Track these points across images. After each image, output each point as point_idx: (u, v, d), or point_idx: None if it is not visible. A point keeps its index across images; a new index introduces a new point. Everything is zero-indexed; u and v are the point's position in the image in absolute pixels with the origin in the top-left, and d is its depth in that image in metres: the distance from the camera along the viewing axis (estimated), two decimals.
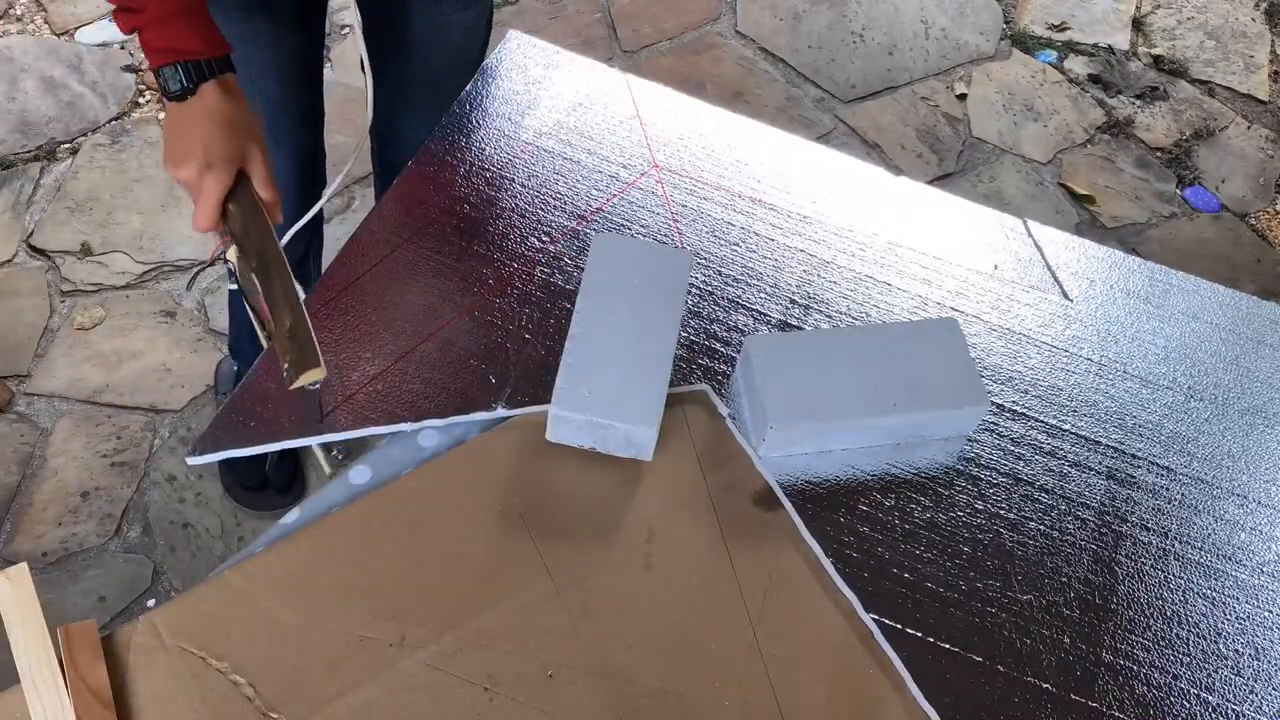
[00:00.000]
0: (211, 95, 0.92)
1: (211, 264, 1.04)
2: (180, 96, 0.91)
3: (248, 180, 0.94)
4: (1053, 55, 2.57)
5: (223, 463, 1.71)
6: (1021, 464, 1.02)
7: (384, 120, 1.45)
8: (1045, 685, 0.89)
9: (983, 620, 0.92)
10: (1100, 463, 1.04)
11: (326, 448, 1.14)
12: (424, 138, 1.20)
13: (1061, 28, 2.63)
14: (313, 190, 1.45)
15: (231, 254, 0.98)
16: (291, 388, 0.86)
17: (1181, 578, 0.98)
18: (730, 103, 2.32)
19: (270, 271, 0.91)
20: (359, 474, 0.93)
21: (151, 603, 0.86)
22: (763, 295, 1.11)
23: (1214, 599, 0.97)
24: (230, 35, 0.95)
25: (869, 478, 0.99)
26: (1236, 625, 0.95)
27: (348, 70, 2.14)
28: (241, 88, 0.95)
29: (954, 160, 2.34)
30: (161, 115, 2.16)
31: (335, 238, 1.99)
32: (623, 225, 1.14)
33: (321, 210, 1.53)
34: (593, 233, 1.12)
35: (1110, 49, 2.61)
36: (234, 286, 1.03)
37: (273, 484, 1.70)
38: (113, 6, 0.90)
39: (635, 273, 1.01)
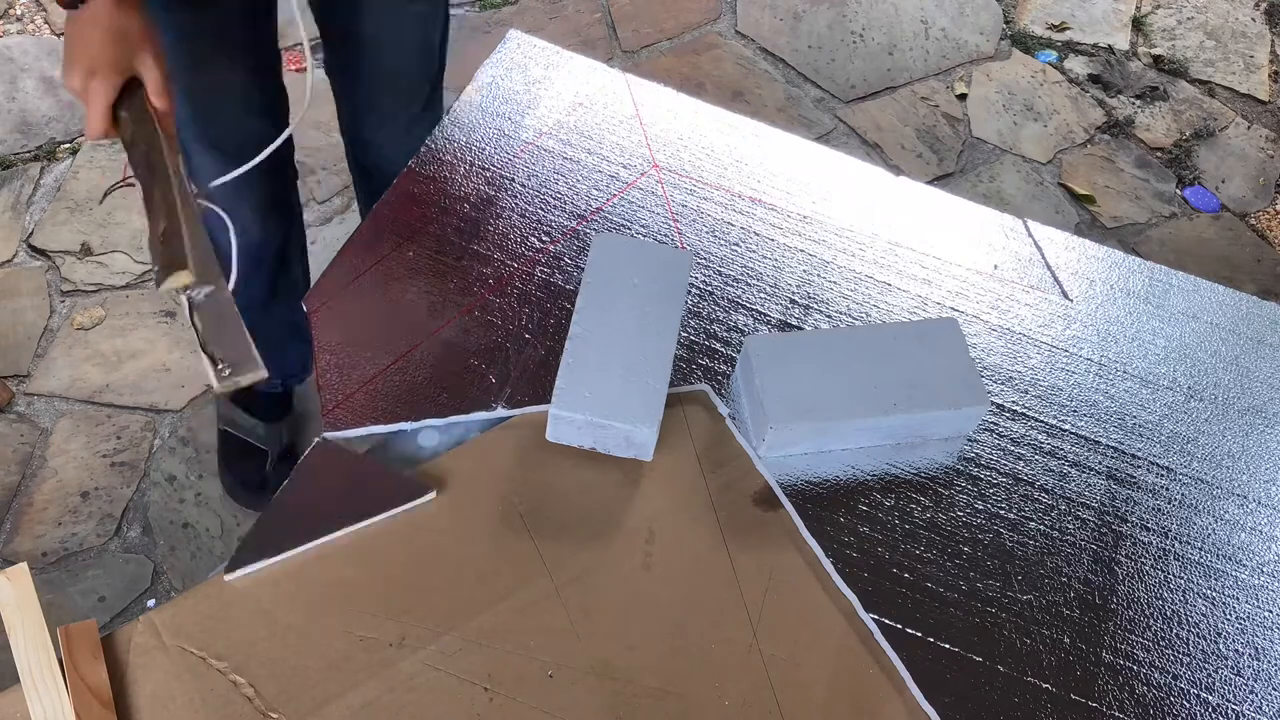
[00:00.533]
0: (101, 3, 0.90)
1: (120, 185, 1.00)
2: (73, 3, 0.90)
3: (141, 89, 0.93)
4: (1053, 55, 2.57)
5: (222, 462, 1.71)
6: (1021, 464, 1.02)
7: (350, 121, 1.44)
8: (1045, 685, 0.89)
9: (983, 620, 0.92)
10: (1100, 463, 1.04)
11: None
12: (395, 139, 1.18)
13: (1061, 28, 2.63)
14: (285, 181, 1.43)
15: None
16: (160, 289, 0.84)
17: (1181, 578, 0.98)
18: (730, 103, 2.32)
19: (155, 176, 0.89)
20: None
21: (151, 603, 0.86)
22: (763, 295, 1.11)
23: (1214, 599, 0.97)
24: (180, 21, 0.95)
25: (869, 478, 0.99)
26: (1236, 625, 0.95)
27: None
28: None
29: (954, 160, 2.34)
30: None
31: (335, 238, 1.99)
32: (623, 225, 1.14)
33: (299, 200, 1.51)
34: (593, 233, 1.12)
35: (1110, 49, 2.61)
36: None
37: (272, 484, 1.70)
38: None
39: (635, 273, 1.01)
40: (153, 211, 0.87)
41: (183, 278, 0.83)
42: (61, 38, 2.25)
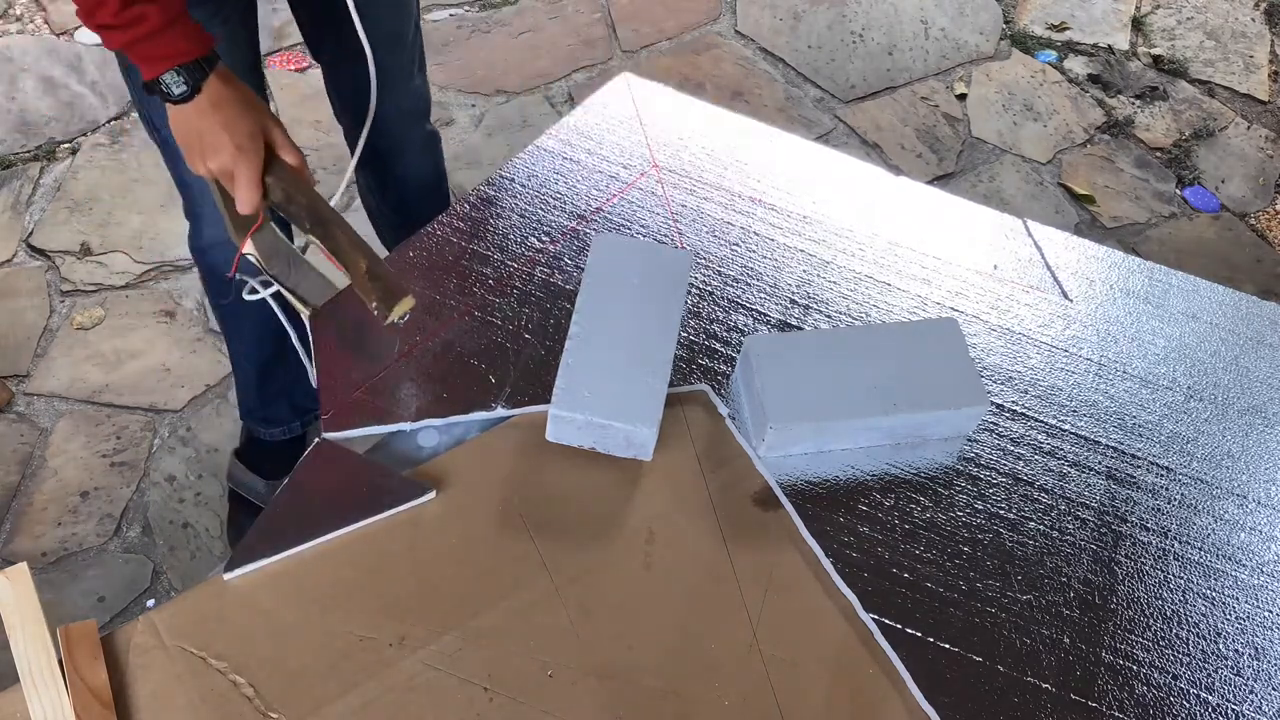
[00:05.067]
0: (216, 87, 0.93)
1: (231, 278, 1.05)
2: (186, 98, 0.93)
3: (272, 151, 0.96)
4: (1052, 55, 2.57)
5: (230, 521, 1.67)
6: (1021, 464, 1.02)
7: (350, 97, 1.44)
8: (1045, 685, 0.89)
9: (983, 620, 0.92)
10: (1100, 463, 1.04)
11: None
12: (398, 102, 1.19)
13: (1061, 28, 2.63)
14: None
15: (249, 248, 1.00)
16: (385, 323, 0.90)
17: (1181, 578, 0.98)
18: (730, 103, 2.32)
19: (329, 225, 0.93)
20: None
21: (151, 603, 0.86)
22: (763, 295, 1.11)
23: (1214, 599, 0.97)
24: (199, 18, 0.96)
25: (869, 478, 0.99)
26: (1236, 625, 0.95)
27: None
28: None
29: (954, 160, 2.34)
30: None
31: None
32: (623, 225, 1.14)
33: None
34: (593, 233, 1.12)
35: (1110, 49, 2.61)
36: (252, 296, 1.04)
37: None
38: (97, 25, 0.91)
39: (635, 273, 1.01)
40: (344, 254, 0.92)
41: (406, 304, 0.90)
42: (62, 37, 2.24)
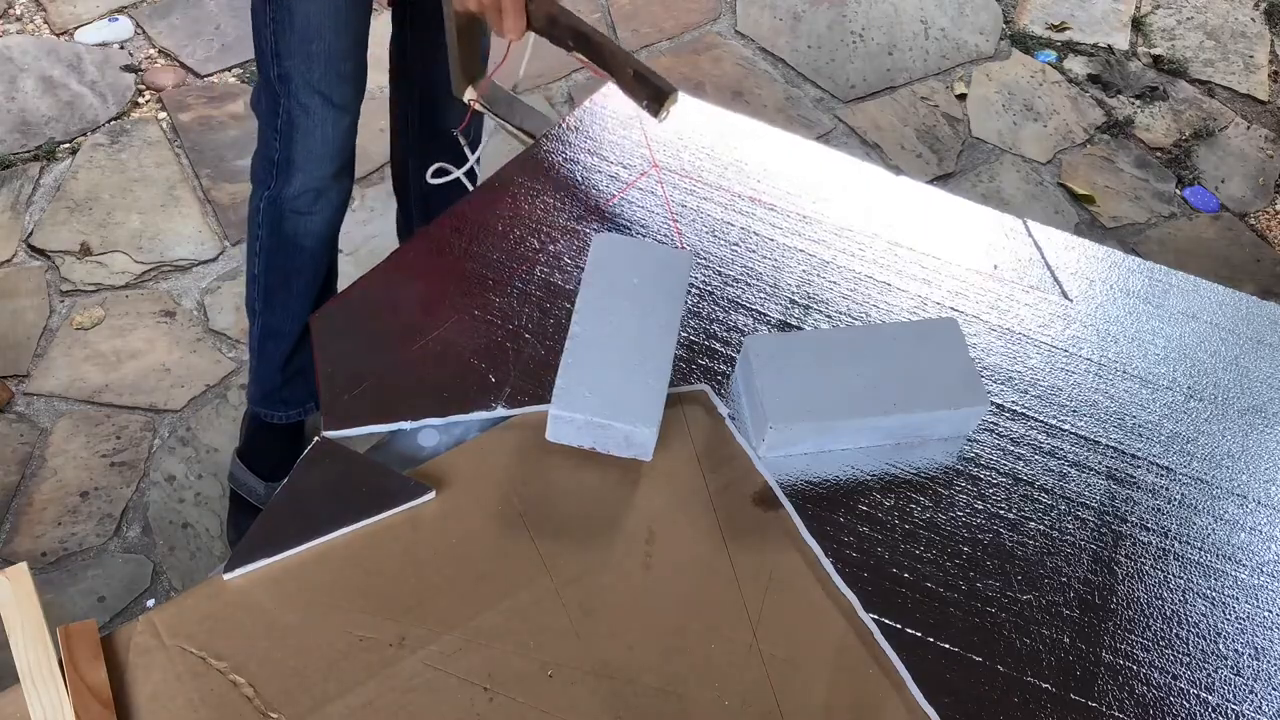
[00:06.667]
0: None
1: (464, 126, 1.26)
2: None
3: None
4: (1052, 55, 2.57)
5: (230, 520, 1.67)
6: (1021, 464, 1.02)
7: (411, 61, 1.51)
8: (1045, 685, 0.89)
9: (983, 620, 0.92)
10: (1100, 463, 1.04)
11: None
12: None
13: (1061, 28, 2.63)
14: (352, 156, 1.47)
15: (470, 96, 1.20)
16: (659, 119, 1.06)
17: (1181, 578, 0.98)
18: (730, 103, 2.32)
19: (591, 38, 1.05)
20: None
21: (151, 603, 0.86)
22: (762, 295, 1.11)
23: (1214, 599, 0.97)
24: None
25: (869, 478, 0.99)
26: (1236, 625, 0.95)
27: None
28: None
29: (953, 160, 2.34)
30: (160, 116, 2.16)
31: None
32: (623, 225, 1.14)
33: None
34: (593, 233, 1.12)
35: (1110, 49, 2.61)
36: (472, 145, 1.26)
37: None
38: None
39: (635, 273, 1.01)
40: (612, 62, 1.05)
41: (675, 99, 1.04)
42: (62, 37, 2.24)
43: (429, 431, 0.96)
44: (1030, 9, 2.67)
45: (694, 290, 1.10)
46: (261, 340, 1.55)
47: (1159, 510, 1.02)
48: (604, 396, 0.92)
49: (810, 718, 0.84)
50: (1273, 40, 2.70)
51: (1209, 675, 0.92)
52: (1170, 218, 2.32)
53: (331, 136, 1.33)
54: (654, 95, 1.03)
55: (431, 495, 0.90)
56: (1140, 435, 1.07)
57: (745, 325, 1.08)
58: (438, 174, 1.24)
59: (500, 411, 0.98)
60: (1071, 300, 1.17)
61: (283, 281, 1.48)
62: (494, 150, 2.21)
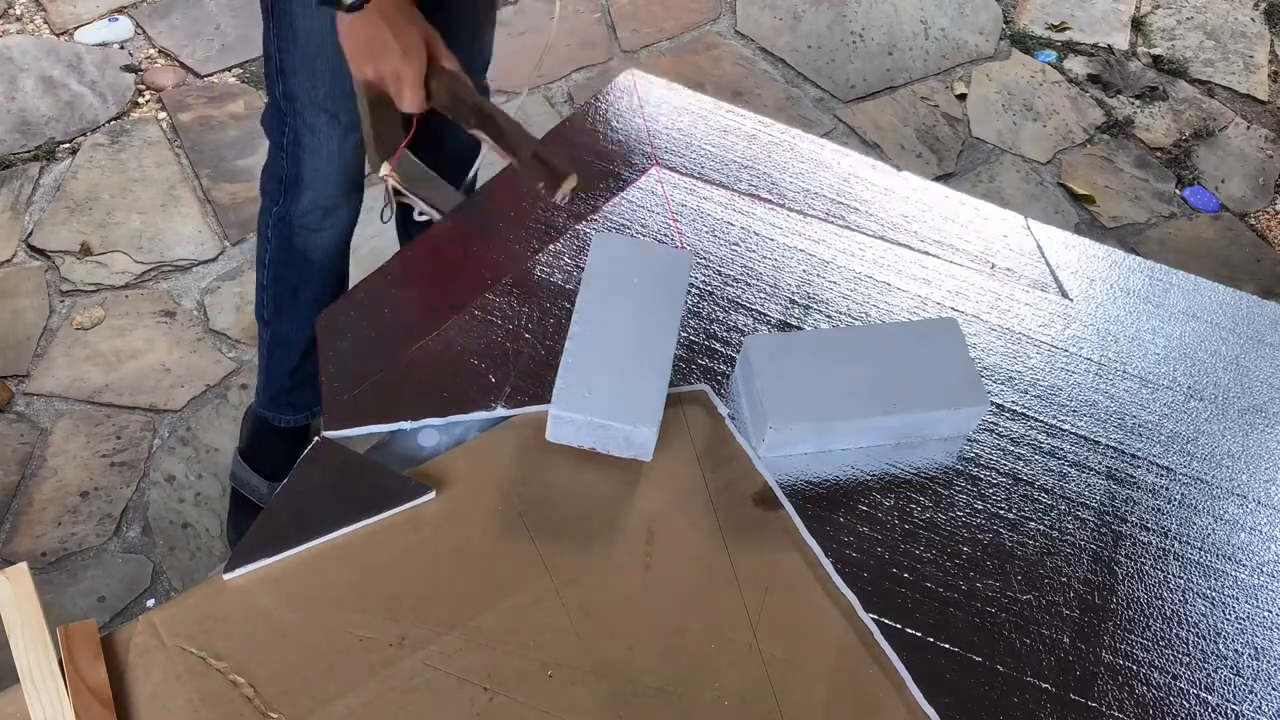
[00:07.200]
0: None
1: (387, 205, 1.19)
2: (358, 7, 1.00)
3: (431, 58, 1.05)
4: (1052, 55, 2.57)
5: (230, 518, 1.67)
6: (1021, 464, 1.02)
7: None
8: (1045, 685, 0.89)
9: (983, 620, 0.92)
10: (1100, 463, 1.04)
11: None
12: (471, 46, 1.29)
13: (1061, 28, 2.63)
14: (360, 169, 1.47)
15: (384, 171, 1.14)
16: (556, 199, 1.04)
17: (1181, 578, 0.98)
18: (730, 103, 2.32)
19: (493, 119, 1.04)
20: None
21: (151, 603, 0.86)
22: (762, 295, 1.11)
23: (1214, 599, 0.97)
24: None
25: (869, 478, 0.99)
26: (1236, 625, 0.95)
27: None
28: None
29: (953, 160, 2.34)
30: (160, 116, 2.16)
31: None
32: (623, 225, 1.14)
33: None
34: (593, 233, 1.12)
35: (1110, 49, 2.61)
36: (388, 220, 1.19)
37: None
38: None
39: (635, 273, 1.01)
40: (510, 142, 1.04)
41: (571, 182, 1.02)
42: (62, 37, 2.24)
43: (429, 431, 0.96)
44: (1030, 9, 2.67)
45: (694, 290, 1.10)
46: (270, 347, 1.56)
47: (1159, 510, 1.02)
48: (604, 397, 0.92)
49: (810, 718, 0.84)
50: (1273, 40, 2.70)
51: (1209, 675, 0.92)
52: (1170, 218, 2.32)
53: (338, 154, 1.32)
54: (549, 178, 1.02)
55: (431, 495, 0.90)
56: (1140, 435, 1.07)
57: (745, 325, 1.08)
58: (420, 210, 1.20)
59: (500, 411, 0.98)
60: (1071, 300, 1.17)
61: (290, 293, 1.48)
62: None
